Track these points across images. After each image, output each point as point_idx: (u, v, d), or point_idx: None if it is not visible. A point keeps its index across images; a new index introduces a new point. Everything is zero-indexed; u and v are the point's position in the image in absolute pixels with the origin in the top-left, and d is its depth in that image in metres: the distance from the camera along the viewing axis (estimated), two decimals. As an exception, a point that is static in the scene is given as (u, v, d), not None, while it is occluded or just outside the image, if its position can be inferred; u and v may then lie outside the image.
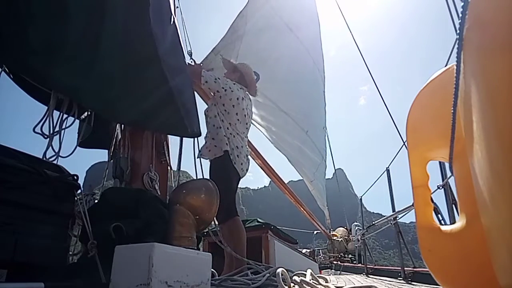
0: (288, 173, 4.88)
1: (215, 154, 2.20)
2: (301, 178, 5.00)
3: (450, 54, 1.61)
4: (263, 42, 3.37)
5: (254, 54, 3.25)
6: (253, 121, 3.62)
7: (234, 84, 2.38)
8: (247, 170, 2.37)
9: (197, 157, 2.12)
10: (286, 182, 4.86)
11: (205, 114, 2.36)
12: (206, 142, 2.26)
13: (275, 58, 3.60)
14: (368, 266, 4.47)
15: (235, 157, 2.22)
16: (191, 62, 2.58)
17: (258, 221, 3.49)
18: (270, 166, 4.13)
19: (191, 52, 3.02)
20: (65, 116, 1.35)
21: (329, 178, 5.82)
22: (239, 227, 2.16)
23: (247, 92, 2.51)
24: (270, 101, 3.54)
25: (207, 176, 2.15)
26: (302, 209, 5.77)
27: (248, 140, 3.58)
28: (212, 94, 2.33)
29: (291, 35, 3.83)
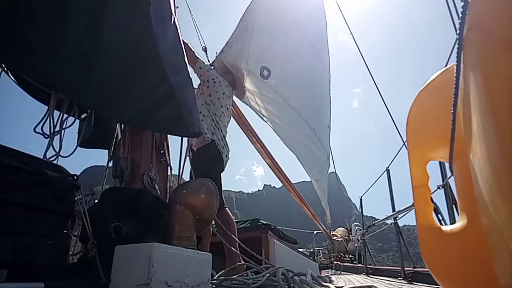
0: (289, 176, 4.87)
1: (202, 142, 2.17)
2: (299, 181, 5.00)
3: (450, 54, 1.61)
4: (272, 38, 3.42)
5: (265, 50, 3.29)
6: (263, 117, 3.63)
7: (223, 80, 2.42)
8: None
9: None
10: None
11: None
12: None
13: (285, 54, 3.64)
14: (368, 266, 4.47)
15: (221, 147, 2.23)
16: (207, 57, 2.60)
17: (258, 221, 3.49)
18: (278, 165, 4.14)
19: (206, 48, 3.07)
20: (65, 116, 1.35)
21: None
22: (229, 218, 2.21)
23: (232, 93, 2.55)
24: (280, 97, 3.56)
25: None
26: (305, 208, 5.79)
27: (258, 137, 3.58)
28: (202, 82, 2.36)
29: (297, 32, 3.86)
